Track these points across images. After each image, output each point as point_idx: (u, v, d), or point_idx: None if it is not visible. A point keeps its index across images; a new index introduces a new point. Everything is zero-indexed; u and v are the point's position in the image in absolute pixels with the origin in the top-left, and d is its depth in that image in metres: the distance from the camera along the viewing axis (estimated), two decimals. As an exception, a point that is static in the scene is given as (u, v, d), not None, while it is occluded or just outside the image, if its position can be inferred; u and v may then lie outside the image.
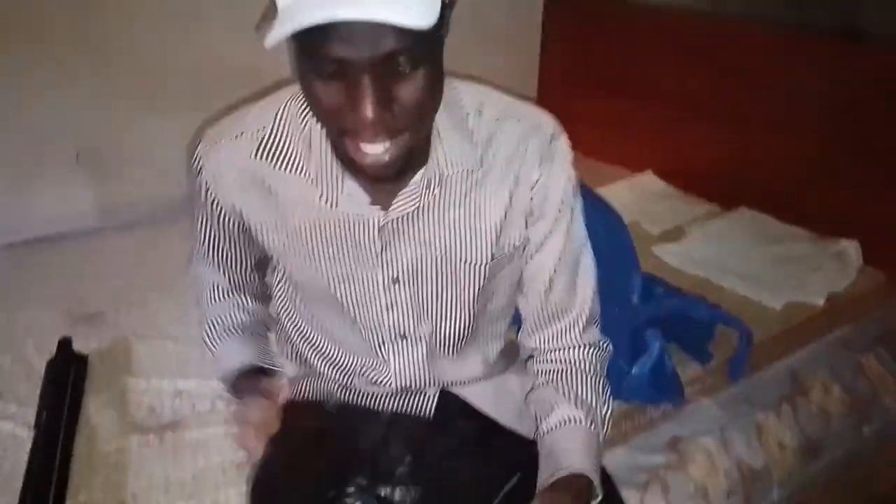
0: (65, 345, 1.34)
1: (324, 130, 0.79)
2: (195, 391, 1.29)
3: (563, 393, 0.89)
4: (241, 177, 0.84)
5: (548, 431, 0.87)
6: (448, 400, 0.99)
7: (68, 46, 1.76)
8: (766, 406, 1.32)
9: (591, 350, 0.94)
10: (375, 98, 0.64)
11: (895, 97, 1.66)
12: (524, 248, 0.90)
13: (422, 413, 0.99)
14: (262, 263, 1.01)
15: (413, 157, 0.77)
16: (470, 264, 0.88)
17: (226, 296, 1.01)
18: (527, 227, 0.88)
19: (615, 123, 2.37)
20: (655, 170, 2.26)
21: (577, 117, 2.49)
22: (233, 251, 0.96)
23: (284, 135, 0.82)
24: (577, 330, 0.93)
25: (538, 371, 0.95)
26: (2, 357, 1.37)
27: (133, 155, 1.92)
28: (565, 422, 0.87)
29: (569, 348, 0.93)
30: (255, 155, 0.83)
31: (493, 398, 1.00)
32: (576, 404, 0.87)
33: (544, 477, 0.84)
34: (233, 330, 1.01)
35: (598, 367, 0.93)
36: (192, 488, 1.09)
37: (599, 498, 0.82)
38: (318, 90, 0.67)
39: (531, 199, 0.86)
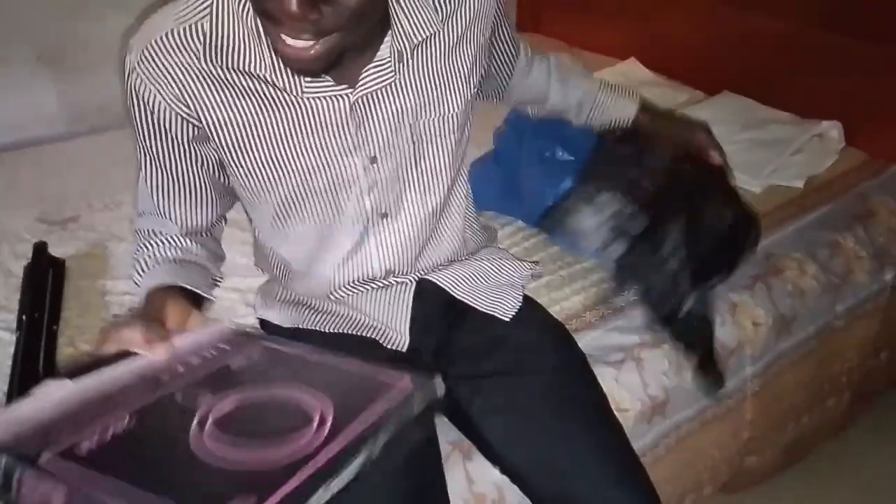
0: (40, 249, 1.33)
1: None
2: (175, 290, 1.29)
3: (558, 80, 1.14)
4: (187, 79, 0.77)
5: (589, 102, 1.16)
6: (425, 288, 0.99)
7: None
8: (740, 286, 1.34)
9: (543, 61, 1.14)
10: None
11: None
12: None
13: (400, 309, 0.98)
14: (217, 204, 0.93)
15: (345, 54, 0.71)
16: (445, 117, 0.88)
17: (167, 239, 0.90)
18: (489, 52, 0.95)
19: (595, 8, 2.30)
20: (639, 57, 2.20)
21: (559, 3, 2.43)
22: (186, 188, 0.88)
23: (228, 28, 0.76)
24: (527, 57, 1.11)
25: (533, 96, 1.16)
26: (-22, 263, 1.36)
27: (95, 55, 1.85)
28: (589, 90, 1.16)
29: (532, 70, 1.12)
30: (203, 55, 0.76)
31: (469, 282, 1.00)
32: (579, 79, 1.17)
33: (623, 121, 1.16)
34: (162, 262, 0.88)
35: (557, 69, 1.15)
36: (177, 382, 1.11)
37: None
38: None
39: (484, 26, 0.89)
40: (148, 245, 0.90)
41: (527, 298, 1.03)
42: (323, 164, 0.85)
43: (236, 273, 1.25)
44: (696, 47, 2.06)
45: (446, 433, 0.99)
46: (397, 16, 0.78)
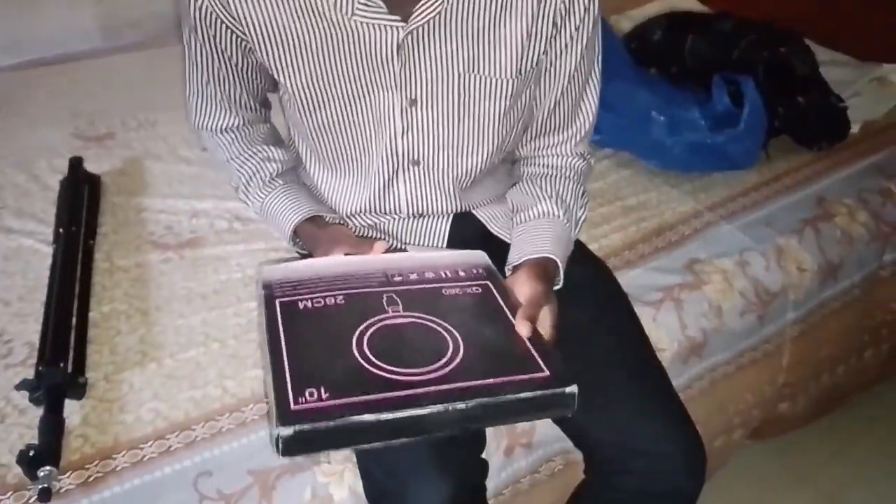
0: (76, 164, 1.32)
1: None
2: (212, 211, 1.28)
3: (546, 192, 0.92)
4: None
5: (524, 221, 0.91)
6: (462, 222, 0.97)
7: None
8: (788, 230, 1.30)
9: (580, 161, 0.96)
10: None
11: None
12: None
13: (436, 239, 0.98)
14: (267, 101, 0.99)
15: None
16: (494, 81, 0.84)
17: (247, 145, 0.98)
18: (554, 36, 0.83)
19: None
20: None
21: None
22: (236, 79, 0.90)
23: None
24: (572, 143, 0.95)
25: (525, 172, 0.98)
26: (17, 175, 1.36)
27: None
28: (543, 214, 0.90)
29: (560, 156, 0.96)
30: None
31: (507, 217, 0.98)
32: (556, 203, 0.90)
33: (514, 257, 0.87)
34: (272, 182, 0.97)
35: (582, 176, 0.96)
36: (215, 301, 1.11)
37: (560, 284, 0.87)
38: None
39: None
40: (248, 165, 0.97)
41: None
42: (361, 95, 0.83)
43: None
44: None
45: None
46: None
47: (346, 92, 0.83)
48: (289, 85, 0.85)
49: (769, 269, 1.24)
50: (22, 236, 1.22)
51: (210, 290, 1.13)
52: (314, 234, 0.92)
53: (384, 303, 0.73)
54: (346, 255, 0.81)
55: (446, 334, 0.70)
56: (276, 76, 0.85)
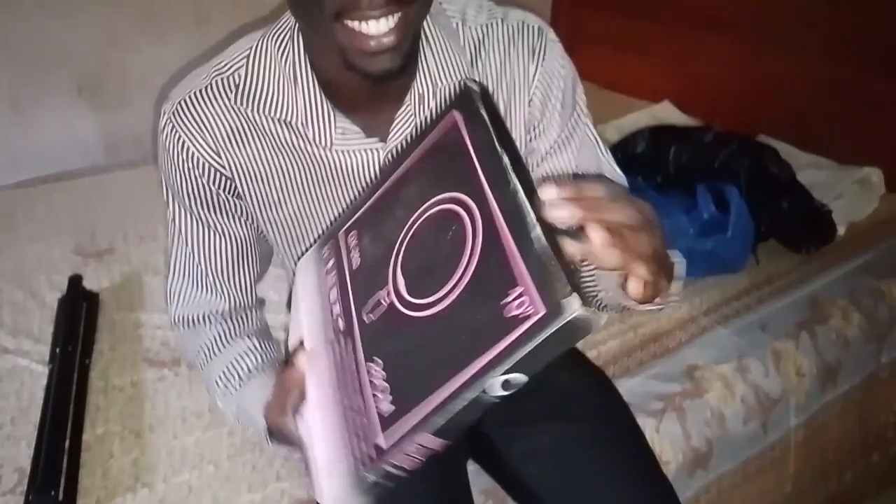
0: (75, 282, 1.33)
1: (308, 68, 0.72)
2: (208, 325, 1.28)
3: None
4: (220, 130, 0.75)
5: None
6: None
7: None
8: (784, 334, 1.30)
9: None
10: None
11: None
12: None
13: None
14: (259, 258, 0.88)
15: (410, 62, 0.71)
16: None
17: (230, 335, 0.85)
18: (531, 140, 0.82)
19: (631, 49, 2.30)
20: (673, 99, 2.19)
21: (592, 41, 2.43)
22: (229, 244, 0.83)
23: (263, 75, 0.74)
24: None
25: None
26: (15, 293, 1.37)
27: (134, 87, 1.89)
28: None
29: None
30: (234, 101, 0.74)
31: None
32: None
33: None
34: (250, 372, 0.83)
35: None
36: (209, 419, 1.09)
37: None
38: None
39: (530, 101, 0.79)
40: (220, 350, 0.84)
41: None
42: None
43: (269, 310, 1.23)
44: (731, 90, 2.05)
45: (479, 482, 0.96)
46: (424, 54, 0.75)
47: (333, 219, 0.82)
48: (277, 219, 0.82)
49: (768, 374, 1.24)
50: (17, 356, 1.21)
51: (204, 408, 1.12)
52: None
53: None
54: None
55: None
56: (262, 213, 0.81)
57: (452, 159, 0.56)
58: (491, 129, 0.53)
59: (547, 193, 0.47)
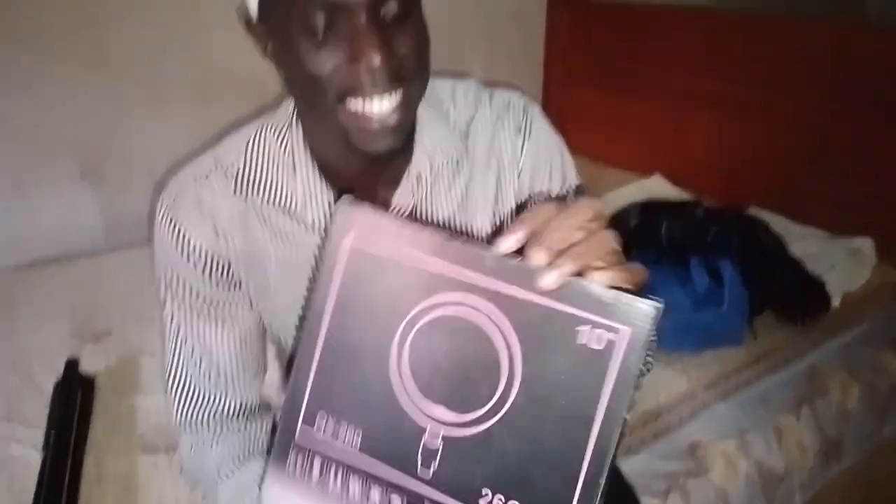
0: (71, 366, 1.33)
1: (307, 152, 0.73)
2: (204, 408, 1.27)
3: None
4: (219, 217, 0.75)
5: None
6: None
7: (68, 60, 1.76)
8: (785, 408, 1.29)
9: None
10: (380, 41, 0.60)
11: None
12: None
13: None
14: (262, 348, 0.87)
15: (408, 141, 0.73)
16: None
17: (240, 456, 0.82)
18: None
19: (621, 124, 2.36)
20: (664, 171, 2.24)
21: (583, 117, 2.51)
22: (227, 333, 0.81)
23: (261, 164, 0.75)
24: None
25: None
26: (9, 378, 1.36)
27: (137, 169, 1.92)
28: None
29: None
30: (234, 191, 0.74)
31: None
32: None
33: None
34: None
35: None
36: (202, 509, 1.07)
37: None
38: (310, 57, 0.62)
39: (519, 174, 0.81)
40: (236, 490, 0.80)
41: None
42: None
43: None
44: (720, 162, 2.09)
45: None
46: (420, 134, 0.77)
47: None
48: (273, 307, 0.81)
49: (770, 450, 1.23)
50: (11, 442, 1.19)
51: (198, 497, 1.09)
52: None
53: None
54: None
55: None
56: (260, 304, 0.81)
57: (385, 275, 0.51)
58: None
59: (505, 246, 0.49)
